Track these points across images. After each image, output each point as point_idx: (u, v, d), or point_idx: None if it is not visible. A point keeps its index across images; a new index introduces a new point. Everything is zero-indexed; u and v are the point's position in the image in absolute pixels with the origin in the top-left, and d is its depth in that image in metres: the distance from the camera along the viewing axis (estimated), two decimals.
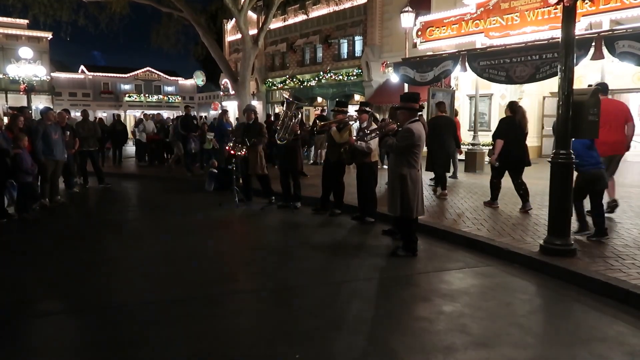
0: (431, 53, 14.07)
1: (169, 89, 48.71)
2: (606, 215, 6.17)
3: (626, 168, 13.03)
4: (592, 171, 5.59)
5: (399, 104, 5.64)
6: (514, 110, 7.52)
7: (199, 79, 32.51)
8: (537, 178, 10.91)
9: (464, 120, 16.22)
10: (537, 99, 15.94)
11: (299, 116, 8.24)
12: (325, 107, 24.41)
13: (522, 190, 7.41)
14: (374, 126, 6.75)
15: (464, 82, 15.27)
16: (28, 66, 22.42)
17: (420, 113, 5.73)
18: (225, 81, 29.95)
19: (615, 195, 6.99)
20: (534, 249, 5.24)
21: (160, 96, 46.73)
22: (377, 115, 13.14)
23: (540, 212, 7.13)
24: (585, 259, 4.84)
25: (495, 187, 7.71)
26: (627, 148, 7.13)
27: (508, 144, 7.31)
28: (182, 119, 13.96)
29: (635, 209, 7.34)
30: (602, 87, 6.63)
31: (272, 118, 16.04)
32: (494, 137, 7.46)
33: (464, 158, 13.14)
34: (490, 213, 7.20)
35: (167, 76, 48.60)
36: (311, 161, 15.22)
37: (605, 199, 6.43)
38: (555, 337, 3.52)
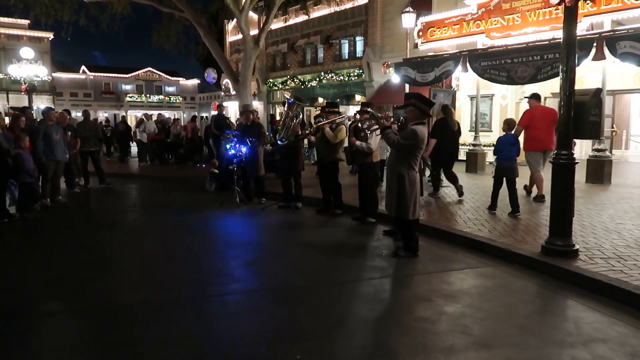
0: (432, 53, 14.06)
1: (170, 89, 48.76)
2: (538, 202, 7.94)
3: (628, 169, 13.04)
4: (504, 163, 7.11)
5: (405, 102, 5.63)
6: (445, 113, 8.77)
7: (209, 76, 32.51)
8: None
9: (465, 120, 16.21)
10: None
11: (300, 116, 8.27)
12: None
13: (451, 179, 8.63)
14: (375, 126, 6.76)
15: (465, 82, 15.27)
16: (29, 66, 22.42)
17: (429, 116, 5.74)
18: (226, 81, 29.95)
19: (543, 191, 8.02)
20: (536, 249, 5.23)
21: (162, 96, 46.78)
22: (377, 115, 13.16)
23: (541, 212, 7.12)
24: (586, 260, 4.83)
25: (436, 178, 8.82)
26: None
27: (441, 141, 8.41)
28: (215, 118, 13.34)
29: (637, 210, 7.33)
30: (536, 96, 8.51)
31: (278, 118, 16.01)
32: (430, 136, 8.45)
33: (465, 158, 13.15)
34: (492, 214, 7.18)
35: (168, 76, 48.65)
36: (312, 162, 15.23)
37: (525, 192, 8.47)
38: (556, 337, 3.51)
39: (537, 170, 8.09)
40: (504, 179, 7.11)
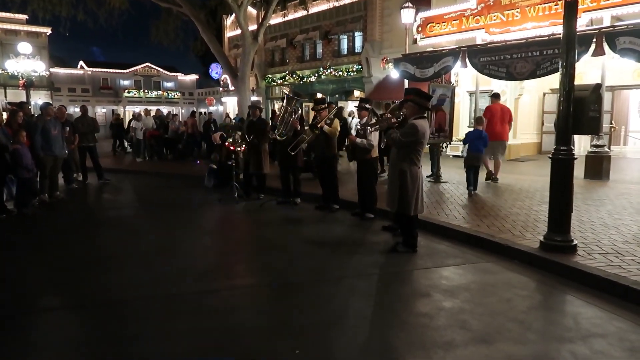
0: (431, 49, 14.01)
1: (169, 84, 48.55)
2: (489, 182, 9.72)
3: (627, 165, 13.05)
4: (473, 153, 8.71)
5: (404, 97, 5.60)
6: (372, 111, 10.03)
7: (213, 72, 32.46)
8: (537, 174, 10.93)
9: (464, 116, 16.20)
10: (538, 95, 15.91)
11: (299, 112, 8.25)
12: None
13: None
14: (373, 121, 6.76)
15: (464, 78, 15.24)
16: (27, 61, 22.31)
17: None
18: (224, 77, 29.88)
19: (498, 174, 9.95)
20: (534, 245, 5.24)
21: (160, 92, 46.60)
22: (377, 112, 13.15)
23: (540, 208, 7.13)
24: (585, 255, 4.84)
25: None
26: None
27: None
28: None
29: (635, 206, 7.34)
30: (496, 95, 10.50)
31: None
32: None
33: (464, 154, 13.14)
34: (490, 209, 7.19)
35: (166, 72, 48.39)
36: (312, 157, 15.18)
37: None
38: (555, 333, 3.52)
39: (489, 158, 9.87)
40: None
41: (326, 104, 8.08)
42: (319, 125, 7.55)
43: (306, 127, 8.58)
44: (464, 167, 8.87)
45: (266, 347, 3.33)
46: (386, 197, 5.74)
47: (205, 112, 26.88)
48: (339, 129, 7.75)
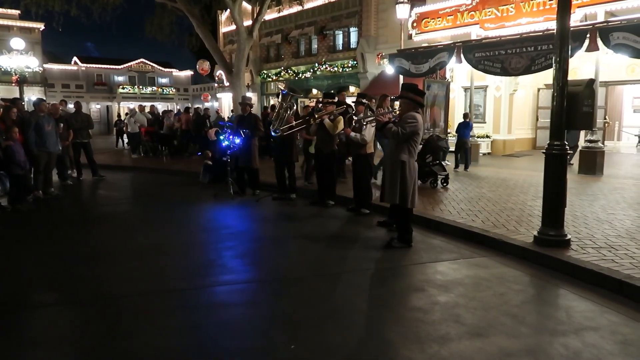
0: (426, 45, 14.05)
1: (163, 80, 48.31)
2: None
3: (620, 160, 13.13)
4: (462, 138, 11.29)
5: (399, 93, 5.61)
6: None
7: (199, 68, 32.33)
8: (532, 169, 10.99)
9: (459, 112, 16.23)
10: (532, 90, 15.97)
11: (295, 107, 8.23)
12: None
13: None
14: (371, 117, 6.76)
15: (459, 73, 15.28)
16: (20, 57, 22.11)
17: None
18: (219, 73, 29.75)
19: None
20: (528, 239, 5.27)
21: (155, 88, 46.38)
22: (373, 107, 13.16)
23: (534, 203, 7.17)
24: (578, 250, 4.88)
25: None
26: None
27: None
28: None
29: (628, 200, 7.40)
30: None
31: (269, 110, 15.92)
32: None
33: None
34: (485, 204, 7.23)
35: (161, 67, 48.14)
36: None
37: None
38: (548, 326, 3.55)
39: None
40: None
41: (334, 100, 7.94)
42: (316, 115, 7.52)
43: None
44: (454, 150, 11.45)
45: (261, 342, 3.34)
46: (385, 191, 5.69)
47: (199, 108, 26.64)
48: (341, 127, 7.59)
